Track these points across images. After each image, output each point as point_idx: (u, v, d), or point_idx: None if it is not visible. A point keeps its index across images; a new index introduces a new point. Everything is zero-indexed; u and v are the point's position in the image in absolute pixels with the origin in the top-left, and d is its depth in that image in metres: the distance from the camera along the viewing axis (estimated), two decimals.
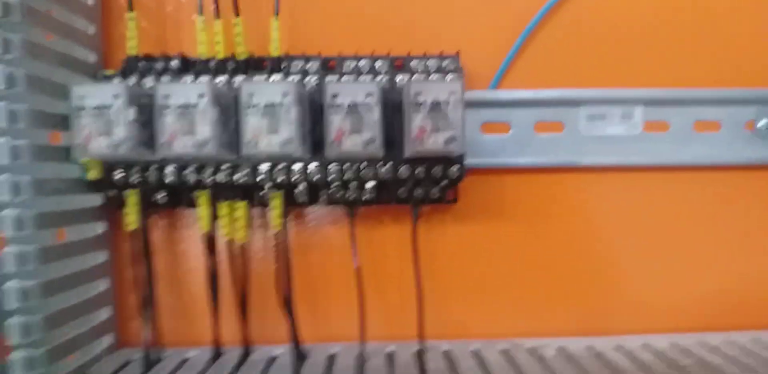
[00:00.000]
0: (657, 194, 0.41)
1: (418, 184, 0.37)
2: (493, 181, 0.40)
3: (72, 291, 0.34)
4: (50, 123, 0.33)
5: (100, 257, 0.38)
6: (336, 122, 0.32)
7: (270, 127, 0.31)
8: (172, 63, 0.36)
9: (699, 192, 0.41)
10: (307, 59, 0.37)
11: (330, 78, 0.36)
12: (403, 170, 0.36)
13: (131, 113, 0.31)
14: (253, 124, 0.31)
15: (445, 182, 0.37)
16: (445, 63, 0.37)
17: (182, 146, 0.31)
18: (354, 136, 0.32)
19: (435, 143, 0.31)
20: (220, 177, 0.35)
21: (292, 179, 0.36)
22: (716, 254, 0.41)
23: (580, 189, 0.40)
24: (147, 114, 0.32)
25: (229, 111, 0.33)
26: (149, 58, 0.36)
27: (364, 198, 0.37)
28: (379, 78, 0.36)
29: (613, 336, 0.40)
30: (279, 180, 0.35)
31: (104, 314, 0.38)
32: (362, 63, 0.37)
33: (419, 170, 0.36)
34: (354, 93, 0.32)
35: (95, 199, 0.37)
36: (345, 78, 0.36)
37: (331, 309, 0.40)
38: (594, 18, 0.40)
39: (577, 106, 0.40)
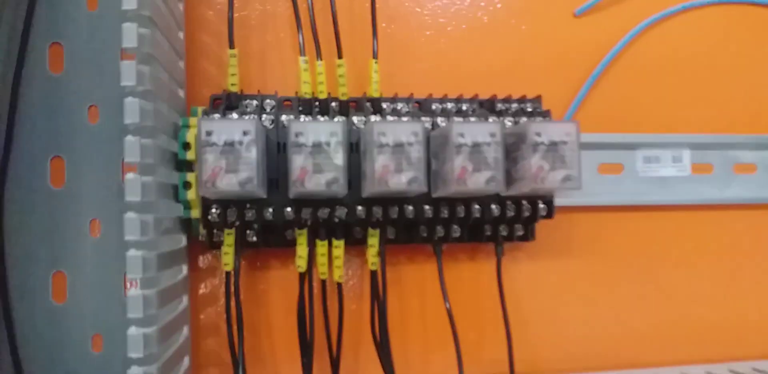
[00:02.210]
0: (705, 230, 0.44)
1: (504, 221, 0.38)
2: (563, 219, 0.42)
3: (171, 340, 0.32)
4: (165, 159, 0.31)
5: (184, 302, 0.35)
6: (459, 161, 0.32)
7: (397, 165, 0.32)
8: (267, 101, 0.36)
9: (741, 227, 0.45)
10: (404, 101, 0.38)
11: (425, 118, 0.37)
12: (495, 208, 0.37)
13: (257, 150, 0.30)
14: (382, 162, 0.31)
15: (530, 220, 0.38)
16: (527, 106, 0.39)
17: (314, 184, 0.31)
18: (476, 174, 0.32)
19: (553, 181, 0.33)
20: (322, 214, 0.35)
21: (391, 217, 0.36)
22: (754, 282, 0.45)
23: (641, 225, 0.43)
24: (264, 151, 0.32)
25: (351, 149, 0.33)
26: (247, 96, 0.36)
27: (453, 236, 0.38)
28: (472, 119, 0.37)
29: (678, 366, 0.42)
30: (376, 218, 0.35)
31: (184, 364, 0.35)
32: (449, 105, 0.39)
33: (510, 208, 0.37)
34: (474, 134, 0.33)
35: (182, 239, 0.35)
36: (439, 119, 0.37)
37: (423, 349, 0.39)
38: (648, 70, 0.44)
39: (634, 148, 0.43)
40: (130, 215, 0.28)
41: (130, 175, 0.28)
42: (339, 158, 0.31)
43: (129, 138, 0.28)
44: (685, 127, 0.44)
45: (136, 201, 0.28)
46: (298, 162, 0.31)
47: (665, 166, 0.43)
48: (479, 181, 0.32)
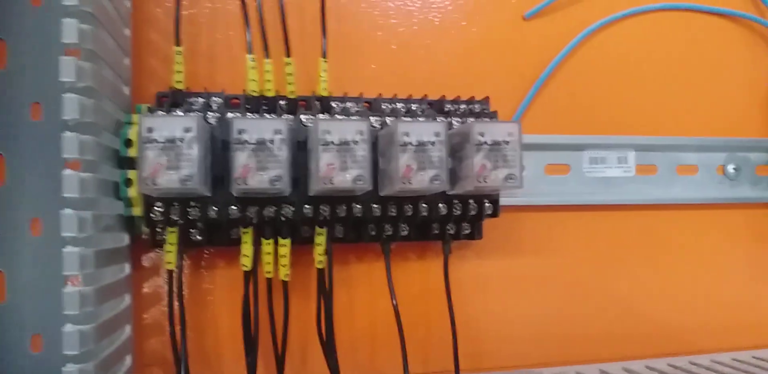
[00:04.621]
0: (649, 229, 0.45)
1: (451, 220, 0.39)
2: (511, 218, 0.42)
3: (110, 338, 0.32)
4: (107, 156, 0.31)
5: (126, 301, 0.35)
6: (404, 160, 0.33)
7: (342, 164, 0.32)
8: (214, 99, 0.36)
9: (682, 226, 0.46)
10: (353, 100, 0.38)
11: (374, 118, 0.37)
12: (442, 207, 0.37)
13: (199, 147, 0.30)
14: (326, 160, 0.32)
15: (476, 219, 0.39)
16: (476, 106, 0.40)
17: (257, 181, 0.31)
18: (421, 172, 0.33)
19: (495, 180, 0.33)
20: (268, 212, 0.35)
21: (339, 215, 0.36)
22: (694, 279, 0.46)
23: (587, 225, 0.44)
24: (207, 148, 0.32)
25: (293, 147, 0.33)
26: (193, 93, 0.36)
27: (401, 234, 0.38)
28: (420, 119, 0.38)
29: (619, 362, 0.43)
30: (323, 217, 0.36)
31: (126, 363, 0.35)
32: (398, 105, 0.39)
33: (457, 206, 0.38)
34: (419, 133, 0.33)
35: (125, 238, 0.35)
36: (388, 119, 0.37)
37: (371, 347, 0.40)
38: (595, 73, 0.45)
39: (581, 150, 0.44)
40: (67, 211, 0.28)
41: (67, 171, 0.28)
42: (283, 155, 0.31)
43: (67, 134, 0.28)
44: (630, 129, 0.45)
45: (74, 197, 0.28)
46: (240, 159, 0.31)
47: (611, 167, 0.44)
48: (424, 179, 0.33)
